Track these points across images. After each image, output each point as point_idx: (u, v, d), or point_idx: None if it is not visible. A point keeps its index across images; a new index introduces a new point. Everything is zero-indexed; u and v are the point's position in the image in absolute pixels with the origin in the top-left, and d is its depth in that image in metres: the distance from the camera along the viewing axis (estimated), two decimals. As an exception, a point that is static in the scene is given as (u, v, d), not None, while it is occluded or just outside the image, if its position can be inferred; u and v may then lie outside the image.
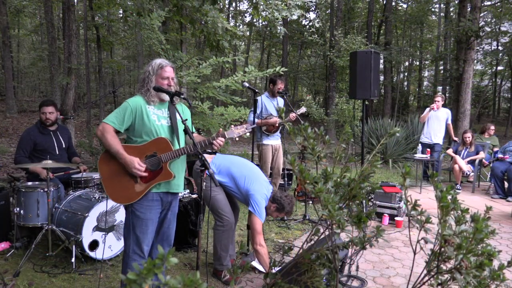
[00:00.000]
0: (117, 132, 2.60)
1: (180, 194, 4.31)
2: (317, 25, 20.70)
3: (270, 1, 6.84)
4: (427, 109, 7.76)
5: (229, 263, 3.48)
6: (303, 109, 5.50)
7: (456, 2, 15.72)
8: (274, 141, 5.31)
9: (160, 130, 2.63)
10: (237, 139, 2.78)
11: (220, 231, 3.39)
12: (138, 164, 2.53)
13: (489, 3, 17.31)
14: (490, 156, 7.73)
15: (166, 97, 2.68)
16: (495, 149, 7.63)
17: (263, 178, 3.48)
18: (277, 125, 5.19)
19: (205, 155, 2.73)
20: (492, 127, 8.31)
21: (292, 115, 5.12)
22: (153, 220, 2.65)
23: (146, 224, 2.61)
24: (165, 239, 2.80)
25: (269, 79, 5.39)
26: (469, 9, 10.75)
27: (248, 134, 2.82)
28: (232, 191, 3.43)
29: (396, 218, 5.08)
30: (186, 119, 2.67)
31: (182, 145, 2.70)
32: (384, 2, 18.78)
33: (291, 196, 3.44)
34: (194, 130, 2.90)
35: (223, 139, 2.68)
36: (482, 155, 7.32)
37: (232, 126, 2.79)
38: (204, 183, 3.33)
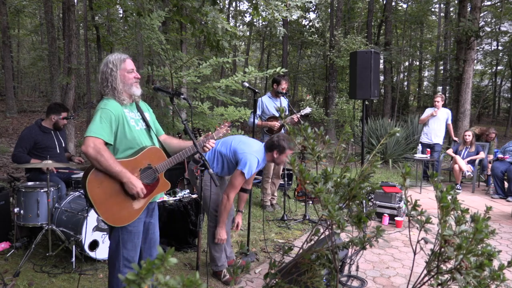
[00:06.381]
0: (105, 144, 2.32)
1: (180, 194, 4.32)
2: (317, 25, 20.69)
3: (271, 1, 6.83)
4: (427, 109, 7.76)
5: (225, 263, 3.47)
6: (308, 110, 5.41)
7: (456, 2, 15.71)
8: None
9: (141, 137, 2.46)
10: (221, 135, 2.82)
11: (212, 231, 3.38)
12: (141, 190, 2.36)
13: (489, 3, 17.31)
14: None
15: (137, 92, 2.45)
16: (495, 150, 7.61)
17: (257, 145, 3.38)
18: (276, 129, 5.18)
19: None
20: (493, 133, 8.04)
21: (295, 118, 5.05)
22: (142, 231, 2.58)
23: (138, 236, 2.53)
24: (152, 245, 2.68)
25: (273, 79, 5.34)
26: (469, 9, 10.76)
27: (229, 131, 2.89)
28: (226, 156, 3.33)
29: (396, 218, 5.08)
30: (186, 120, 2.64)
31: (157, 144, 2.58)
32: (384, 2, 18.77)
33: (281, 134, 3.36)
34: (163, 132, 2.77)
35: (214, 141, 2.66)
36: (482, 155, 7.32)
37: (217, 126, 2.86)
38: (198, 180, 3.32)
